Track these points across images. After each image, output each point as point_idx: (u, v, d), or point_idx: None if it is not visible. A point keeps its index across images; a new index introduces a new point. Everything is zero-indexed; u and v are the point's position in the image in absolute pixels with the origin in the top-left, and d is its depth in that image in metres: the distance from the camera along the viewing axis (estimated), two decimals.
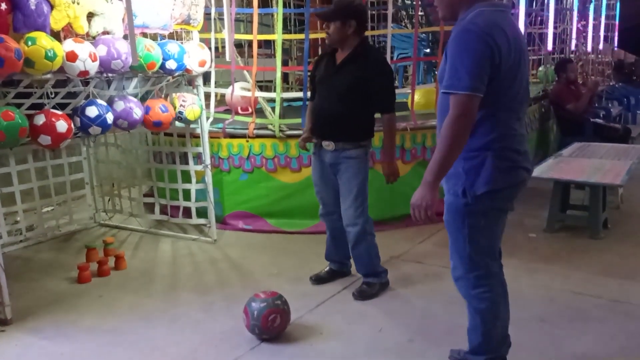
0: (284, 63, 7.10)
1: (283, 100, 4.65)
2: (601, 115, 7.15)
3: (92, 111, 3.41)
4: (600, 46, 10.31)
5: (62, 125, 3.22)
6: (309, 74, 3.65)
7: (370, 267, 3.40)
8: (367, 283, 3.40)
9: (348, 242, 3.38)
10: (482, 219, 2.11)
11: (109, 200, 5.05)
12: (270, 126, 4.59)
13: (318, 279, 3.58)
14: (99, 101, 3.50)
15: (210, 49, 4.30)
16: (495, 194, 2.06)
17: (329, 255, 3.63)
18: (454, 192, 2.10)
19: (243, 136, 4.61)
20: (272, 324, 2.80)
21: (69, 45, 3.12)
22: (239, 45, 5.81)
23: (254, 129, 4.60)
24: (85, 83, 3.54)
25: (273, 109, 4.61)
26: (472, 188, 2.05)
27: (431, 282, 3.56)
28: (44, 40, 2.95)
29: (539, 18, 7.66)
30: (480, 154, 2.04)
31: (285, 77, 8.19)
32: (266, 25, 6.52)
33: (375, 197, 3.69)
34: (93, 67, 3.22)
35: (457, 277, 2.27)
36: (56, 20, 3.06)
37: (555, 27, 7.88)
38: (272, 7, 5.26)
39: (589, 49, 9.47)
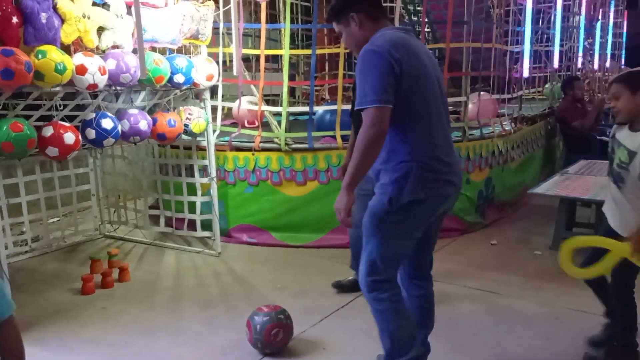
0: (291, 78, 7.14)
1: (289, 114, 4.68)
2: (607, 133, 7.13)
3: (107, 123, 3.47)
4: (607, 64, 10.31)
5: (70, 137, 3.26)
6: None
7: None
8: None
9: None
10: (397, 227, 2.20)
11: (114, 211, 5.07)
12: (276, 139, 4.62)
13: (339, 286, 3.63)
14: (109, 113, 3.55)
15: (218, 63, 4.35)
16: (417, 204, 2.14)
17: (354, 265, 3.66)
18: (380, 200, 2.18)
19: (249, 149, 4.63)
20: (275, 339, 2.79)
21: (79, 58, 3.17)
22: (246, 59, 5.85)
23: (260, 142, 4.62)
24: (94, 96, 3.58)
25: (279, 122, 4.64)
26: (398, 198, 2.14)
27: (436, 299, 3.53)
28: (54, 54, 2.99)
29: (545, 36, 7.68)
30: (404, 165, 2.14)
31: (292, 92, 8.24)
32: (274, 40, 6.57)
33: None
34: (102, 80, 3.26)
35: (360, 279, 2.33)
36: (67, 34, 3.10)
37: (561, 45, 7.90)
38: (279, 22, 5.32)
39: (596, 66, 9.48)
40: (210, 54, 4.30)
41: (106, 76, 3.29)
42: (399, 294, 2.33)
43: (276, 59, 6.64)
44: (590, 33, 9.03)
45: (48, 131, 3.21)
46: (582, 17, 8.41)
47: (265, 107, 4.81)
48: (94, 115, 3.47)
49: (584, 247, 2.61)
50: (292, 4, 5.05)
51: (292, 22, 5.21)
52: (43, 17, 2.94)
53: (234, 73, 4.52)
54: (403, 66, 2.07)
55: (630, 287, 2.60)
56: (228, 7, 4.40)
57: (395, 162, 2.15)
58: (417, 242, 2.31)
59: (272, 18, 6.30)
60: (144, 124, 3.72)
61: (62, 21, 3.07)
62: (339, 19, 2.29)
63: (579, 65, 8.68)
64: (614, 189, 2.53)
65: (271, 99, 6.65)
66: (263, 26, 4.59)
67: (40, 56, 2.95)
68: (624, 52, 11.58)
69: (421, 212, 2.20)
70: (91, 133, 3.43)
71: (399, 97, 2.08)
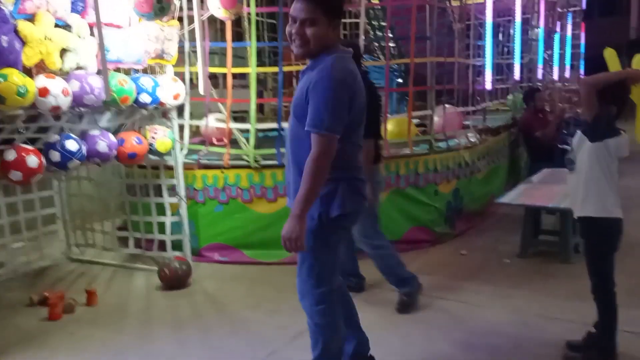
0: (259, 94, 7.16)
1: (258, 130, 4.68)
2: (569, 142, 7.31)
3: (72, 145, 3.40)
4: (567, 74, 10.64)
5: (33, 161, 3.19)
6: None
7: (396, 276, 3.57)
8: (405, 294, 3.55)
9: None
10: (330, 238, 2.37)
11: (81, 234, 4.97)
12: (245, 157, 4.61)
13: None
14: (73, 135, 3.49)
15: (184, 81, 4.33)
16: (344, 217, 2.33)
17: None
18: (310, 216, 2.27)
19: (218, 167, 4.61)
20: None
21: (41, 81, 3.12)
22: (213, 76, 5.84)
23: (229, 159, 4.61)
24: (57, 117, 3.52)
25: (248, 139, 4.64)
26: (328, 212, 2.29)
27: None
28: (15, 77, 2.94)
29: (506, 49, 7.90)
30: (333, 183, 2.27)
31: (260, 107, 8.25)
32: (241, 57, 6.57)
33: None
34: (65, 103, 3.22)
35: (303, 294, 2.45)
36: (28, 57, 3.06)
37: (522, 58, 8.12)
38: (246, 40, 5.32)
39: (556, 77, 9.77)
40: (177, 73, 4.29)
41: (69, 98, 3.24)
42: (340, 308, 2.49)
43: (244, 75, 6.64)
44: (549, 45, 9.31)
45: (10, 155, 3.15)
46: (541, 30, 8.68)
47: (234, 125, 4.81)
48: (58, 137, 3.40)
49: None
50: (257, 21, 5.07)
51: (258, 39, 5.24)
52: (4, 40, 2.89)
53: (201, 92, 4.51)
54: (354, 99, 2.23)
55: (610, 286, 2.75)
56: (193, 26, 4.40)
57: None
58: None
59: (239, 35, 6.31)
60: (102, 145, 3.62)
61: (24, 43, 3.03)
62: (326, 12, 2.20)
63: (540, 76, 8.93)
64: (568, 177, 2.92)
65: (240, 115, 6.64)
66: (229, 45, 4.61)
67: (1, 79, 2.90)
68: (582, 62, 11.96)
69: (348, 222, 2.42)
70: (55, 155, 3.36)
71: (344, 126, 2.22)
